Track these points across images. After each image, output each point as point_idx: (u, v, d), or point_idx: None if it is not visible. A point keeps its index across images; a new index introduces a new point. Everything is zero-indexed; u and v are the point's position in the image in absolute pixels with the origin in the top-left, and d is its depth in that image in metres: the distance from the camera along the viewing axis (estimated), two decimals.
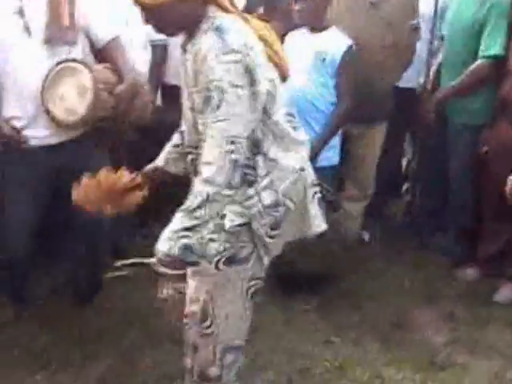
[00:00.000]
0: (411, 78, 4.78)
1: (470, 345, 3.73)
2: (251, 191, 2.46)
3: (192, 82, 2.45)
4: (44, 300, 3.90)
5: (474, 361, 3.59)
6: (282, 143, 2.54)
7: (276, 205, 2.51)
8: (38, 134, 3.48)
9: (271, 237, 2.56)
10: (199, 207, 2.35)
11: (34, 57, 3.40)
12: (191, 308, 2.65)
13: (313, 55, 3.88)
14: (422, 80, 4.72)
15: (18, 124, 3.47)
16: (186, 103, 2.59)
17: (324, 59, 3.89)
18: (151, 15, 2.47)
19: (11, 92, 3.45)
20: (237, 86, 2.33)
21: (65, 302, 3.87)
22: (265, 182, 2.48)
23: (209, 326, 2.64)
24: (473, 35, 4.17)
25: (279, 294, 4.07)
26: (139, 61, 4.03)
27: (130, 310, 3.85)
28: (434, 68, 4.62)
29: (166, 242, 2.39)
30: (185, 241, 2.39)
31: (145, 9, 2.45)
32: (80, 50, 3.52)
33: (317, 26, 3.94)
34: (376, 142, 4.54)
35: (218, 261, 2.51)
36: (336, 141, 4.03)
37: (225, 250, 2.51)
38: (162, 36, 4.12)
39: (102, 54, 3.60)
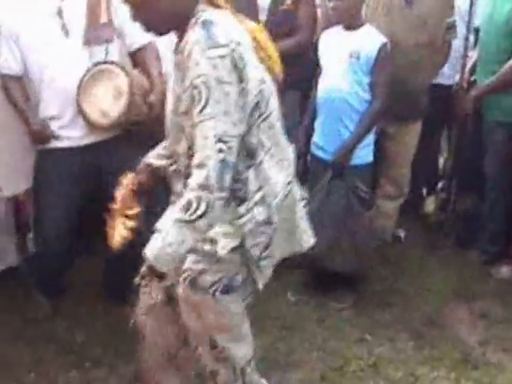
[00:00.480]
0: (447, 75, 4.77)
1: (504, 343, 3.71)
2: (242, 209, 2.40)
3: (181, 82, 2.38)
4: (80, 298, 3.94)
5: (508, 359, 3.58)
6: (276, 152, 2.47)
7: (269, 221, 2.44)
8: (76, 134, 3.54)
9: (264, 258, 2.48)
10: (202, 216, 2.27)
11: (72, 58, 3.44)
12: (199, 339, 2.65)
13: (347, 53, 3.87)
14: (457, 77, 4.70)
15: (56, 124, 3.53)
16: (169, 108, 2.54)
17: (359, 57, 3.88)
18: (140, 12, 2.40)
19: (50, 92, 3.50)
20: (224, 83, 2.25)
21: (101, 300, 3.92)
22: (257, 197, 2.41)
23: (221, 351, 2.63)
24: (508, 33, 4.13)
25: (313, 293, 4.10)
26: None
27: None
28: (469, 65, 4.59)
29: (170, 260, 2.33)
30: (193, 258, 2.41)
31: (134, 6, 2.40)
32: (117, 49, 3.55)
33: (351, 24, 3.93)
34: (411, 140, 4.52)
35: (215, 291, 2.48)
36: (370, 139, 4.02)
37: (220, 279, 2.47)
38: None
39: (135, 57, 3.64)
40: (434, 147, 5.26)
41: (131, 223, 2.73)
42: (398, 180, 4.59)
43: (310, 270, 4.21)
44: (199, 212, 2.27)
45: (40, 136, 3.57)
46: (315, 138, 4.07)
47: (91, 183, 3.59)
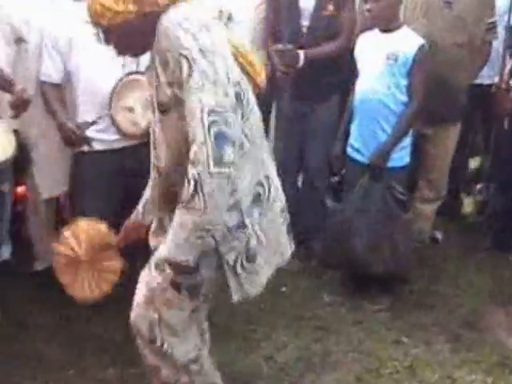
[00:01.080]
0: (486, 75, 4.73)
1: None
2: None
3: (161, 76, 2.31)
4: (118, 297, 3.97)
5: None
6: (251, 151, 2.41)
7: (241, 225, 2.38)
8: (110, 138, 3.62)
9: (245, 268, 2.42)
10: (194, 196, 2.19)
11: (107, 65, 3.48)
12: (138, 326, 2.57)
13: (385, 55, 3.87)
14: (497, 78, 4.65)
15: (93, 128, 3.59)
16: (156, 121, 2.46)
17: (396, 59, 3.87)
18: (113, 35, 2.36)
19: (86, 97, 3.59)
20: (208, 51, 2.20)
21: None
22: (229, 201, 2.32)
23: (161, 346, 2.55)
24: None
25: (350, 294, 4.10)
26: None
27: None
28: (509, 66, 4.54)
29: (181, 250, 2.29)
30: (200, 247, 2.29)
31: (105, 29, 2.34)
32: (147, 60, 3.58)
33: (388, 27, 3.92)
34: (449, 142, 4.50)
35: (181, 284, 2.42)
36: (407, 141, 4.00)
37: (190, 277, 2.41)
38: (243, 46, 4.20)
39: None
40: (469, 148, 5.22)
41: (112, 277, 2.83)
42: (436, 182, 4.57)
43: (346, 272, 4.21)
44: (188, 194, 2.22)
45: (71, 140, 3.63)
46: (352, 141, 4.07)
47: (123, 185, 3.64)
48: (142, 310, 2.56)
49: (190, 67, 2.19)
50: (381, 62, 3.88)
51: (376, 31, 3.99)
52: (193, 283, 2.44)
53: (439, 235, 4.84)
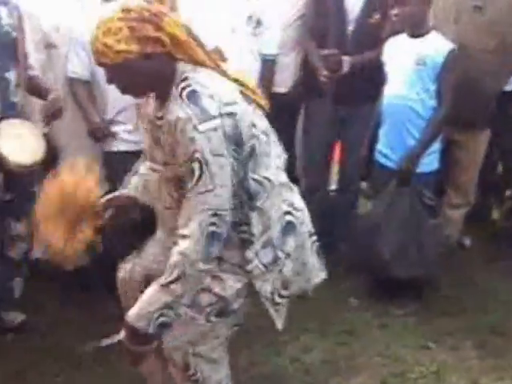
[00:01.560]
0: None
1: None
2: (250, 254, 2.43)
3: (169, 153, 2.37)
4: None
5: None
6: (275, 191, 2.47)
7: (274, 260, 2.47)
8: (137, 139, 3.63)
9: (282, 296, 2.52)
10: (175, 281, 2.29)
11: None
12: (173, 357, 2.58)
13: (413, 60, 3.87)
14: None
15: (122, 127, 3.66)
16: (158, 165, 2.51)
17: (425, 64, 3.87)
18: (115, 75, 2.34)
19: (115, 97, 3.60)
20: (219, 155, 2.23)
21: None
22: (262, 239, 2.43)
23: (193, 374, 2.57)
24: None
25: (376, 299, 4.10)
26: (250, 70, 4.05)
27: None
28: None
29: (143, 319, 2.34)
30: (162, 319, 2.34)
31: (108, 68, 2.32)
32: None
33: (417, 31, 3.93)
34: (479, 147, 4.48)
35: (209, 313, 2.48)
36: (436, 146, 4.00)
37: (217, 302, 2.47)
38: (273, 50, 4.25)
39: None
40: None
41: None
42: (465, 188, 4.55)
43: (373, 276, 4.21)
44: (170, 278, 2.30)
45: (98, 135, 3.76)
46: (380, 146, 4.08)
47: None
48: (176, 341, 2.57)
49: (201, 169, 2.24)
50: (409, 67, 3.88)
51: (404, 36, 4.00)
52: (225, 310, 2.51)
53: (467, 241, 4.82)
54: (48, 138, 3.57)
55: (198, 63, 2.36)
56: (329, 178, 4.86)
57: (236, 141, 2.29)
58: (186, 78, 2.32)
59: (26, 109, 3.60)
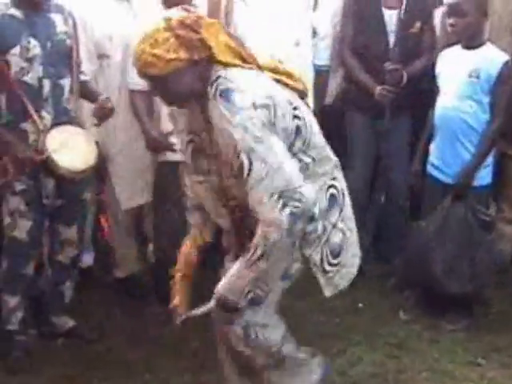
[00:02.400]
0: None
1: None
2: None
3: (216, 158, 2.48)
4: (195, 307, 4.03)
5: None
6: (317, 168, 2.57)
7: (324, 230, 2.58)
8: None
9: (332, 264, 2.61)
10: (259, 259, 2.39)
11: None
12: (235, 327, 2.68)
13: (467, 72, 3.82)
14: None
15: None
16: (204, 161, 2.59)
17: (479, 76, 3.81)
18: (163, 85, 2.38)
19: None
20: (261, 141, 2.28)
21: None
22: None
23: (255, 339, 2.67)
24: None
25: (427, 313, 4.05)
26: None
27: None
28: None
29: (235, 293, 2.49)
30: (252, 295, 2.52)
31: (155, 79, 2.37)
32: None
33: (471, 43, 3.88)
34: None
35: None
36: (489, 160, 3.95)
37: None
38: (327, 61, 4.25)
39: None
40: None
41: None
42: None
43: (424, 291, 4.16)
44: (254, 257, 2.39)
45: (155, 145, 3.78)
46: (432, 158, 4.04)
47: None
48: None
49: (250, 161, 2.29)
50: (463, 79, 3.84)
51: (458, 47, 3.96)
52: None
53: None
54: (99, 146, 3.64)
55: (235, 64, 2.41)
56: (377, 190, 4.82)
57: (276, 127, 2.35)
58: (218, 77, 2.37)
59: (79, 115, 3.67)
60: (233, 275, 2.48)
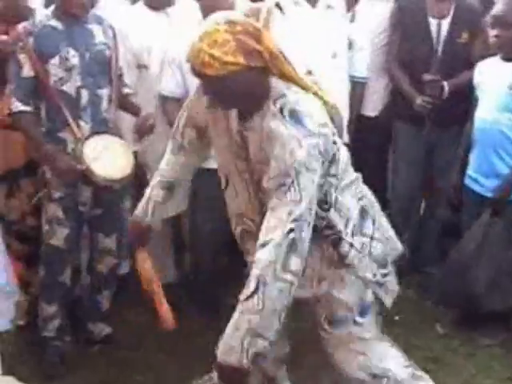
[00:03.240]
0: None
1: None
2: (345, 248, 2.53)
3: (258, 155, 2.41)
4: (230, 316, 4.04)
5: None
6: (344, 177, 2.56)
7: (363, 246, 2.56)
8: None
9: (384, 275, 2.61)
10: (254, 292, 2.26)
11: None
12: (357, 376, 2.69)
13: (507, 85, 3.77)
14: None
15: None
16: (239, 175, 2.59)
17: None
18: (214, 87, 2.35)
19: None
20: (312, 170, 2.27)
21: None
22: (349, 230, 2.53)
23: (382, 375, 2.68)
24: None
25: (463, 327, 4.01)
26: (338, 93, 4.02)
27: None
28: None
29: (233, 353, 2.31)
30: (254, 350, 2.30)
31: (208, 80, 2.34)
32: None
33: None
34: None
35: (353, 316, 2.60)
36: None
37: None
38: (364, 73, 4.25)
39: None
40: None
41: None
42: None
43: (461, 305, 4.11)
44: (248, 291, 2.28)
45: None
46: (469, 171, 3.99)
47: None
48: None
49: (292, 180, 2.27)
50: (502, 92, 3.79)
51: (497, 59, 3.91)
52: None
53: None
54: (137, 157, 3.67)
55: (288, 79, 2.41)
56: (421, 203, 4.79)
57: (325, 158, 2.36)
58: (284, 95, 2.37)
59: (117, 126, 3.71)
60: (229, 330, 2.33)
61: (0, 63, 3.49)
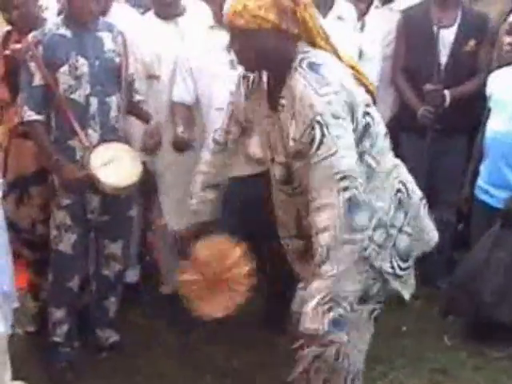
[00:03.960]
0: None
1: None
2: (365, 242, 2.41)
3: (289, 132, 2.35)
4: (239, 326, 3.94)
5: None
6: (383, 170, 2.49)
7: (387, 238, 2.48)
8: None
9: (403, 268, 2.55)
10: (326, 260, 2.24)
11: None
12: (326, 351, 2.57)
13: None
14: None
15: None
16: (276, 167, 2.55)
17: None
18: (242, 41, 2.34)
19: (217, 121, 3.65)
20: (340, 118, 2.22)
21: (258, 329, 3.99)
22: (373, 224, 2.41)
23: (341, 362, 2.59)
24: None
25: (471, 339, 3.98)
26: None
27: None
28: None
29: (314, 321, 2.30)
30: (333, 314, 2.29)
31: (237, 32, 2.32)
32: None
33: None
34: None
35: (351, 302, 2.43)
36: None
37: (357, 289, 2.44)
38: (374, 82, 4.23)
39: None
40: None
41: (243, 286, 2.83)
42: None
43: (470, 317, 4.09)
44: (320, 259, 2.28)
45: (178, 145, 3.73)
46: (480, 182, 3.98)
47: (253, 213, 3.68)
48: None
49: (323, 133, 2.23)
50: None
51: (510, 68, 3.90)
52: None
53: None
54: (146, 164, 3.68)
55: (316, 46, 2.40)
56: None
57: (353, 113, 2.31)
58: (305, 52, 2.36)
59: (127, 133, 3.73)
60: (308, 297, 2.33)
61: (14, 72, 3.53)
